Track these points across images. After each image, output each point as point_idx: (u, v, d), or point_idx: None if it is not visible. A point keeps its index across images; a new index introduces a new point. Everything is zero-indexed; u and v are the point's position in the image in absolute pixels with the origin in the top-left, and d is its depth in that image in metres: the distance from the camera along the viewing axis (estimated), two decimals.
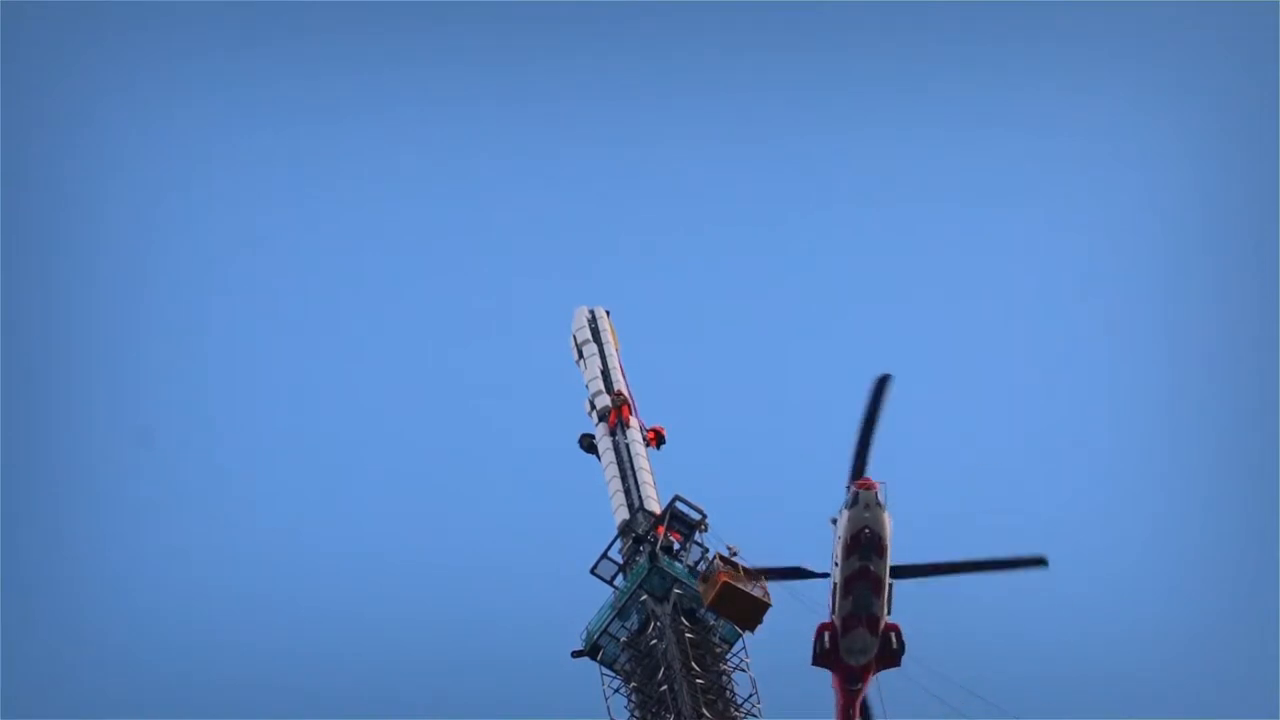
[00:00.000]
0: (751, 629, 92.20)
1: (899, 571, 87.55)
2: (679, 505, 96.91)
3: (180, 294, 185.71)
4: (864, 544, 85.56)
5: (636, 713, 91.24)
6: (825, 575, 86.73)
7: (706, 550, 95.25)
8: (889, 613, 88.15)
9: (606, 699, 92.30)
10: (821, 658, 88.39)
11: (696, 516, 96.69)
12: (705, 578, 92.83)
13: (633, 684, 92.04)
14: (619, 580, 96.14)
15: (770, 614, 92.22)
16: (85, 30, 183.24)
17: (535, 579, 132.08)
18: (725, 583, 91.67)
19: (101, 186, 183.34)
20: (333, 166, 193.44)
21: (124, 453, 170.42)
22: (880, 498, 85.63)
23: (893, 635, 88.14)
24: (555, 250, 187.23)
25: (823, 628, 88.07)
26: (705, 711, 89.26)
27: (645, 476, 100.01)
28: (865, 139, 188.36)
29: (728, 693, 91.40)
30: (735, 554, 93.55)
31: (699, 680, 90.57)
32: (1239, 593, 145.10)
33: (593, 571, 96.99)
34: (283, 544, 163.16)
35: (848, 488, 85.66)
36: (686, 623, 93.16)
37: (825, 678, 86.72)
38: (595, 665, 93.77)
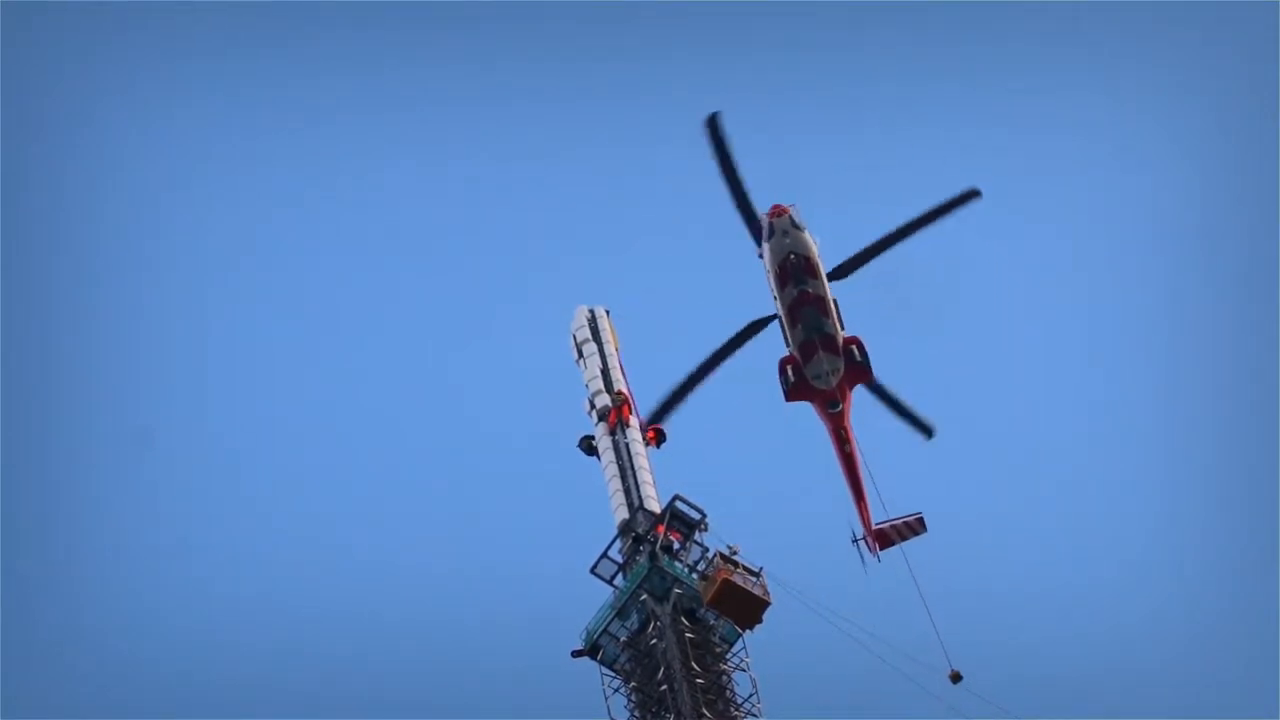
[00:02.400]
0: (751, 627, 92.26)
1: (842, 271, 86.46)
2: (679, 505, 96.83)
3: (180, 294, 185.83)
4: (793, 269, 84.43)
5: (636, 712, 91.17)
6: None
7: (706, 550, 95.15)
8: (843, 327, 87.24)
9: (606, 699, 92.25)
10: (792, 392, 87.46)
11: (696, 516, 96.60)
12: (706, 577, 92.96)
13: (633, 684, 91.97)
14: (619, 580, 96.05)
15: (770, 613, 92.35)
16: (85, 30, 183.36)
17: (535, 579, 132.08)
18: (725, 580, 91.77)
19: (101, 186, 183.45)
20: (332, 167, 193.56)
21: (124, 453, 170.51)
22: (796, 219, 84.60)
23: (854, 349, 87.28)
24: (555, 250, 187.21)
25: (783, 362, 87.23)
26: (705, 711, 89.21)
27: (645, 476, 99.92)
28: (864, 138, 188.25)
29: (728, 692, 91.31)
30: (736, 552, 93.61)
31: (699, 680, 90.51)
32: (1239, 593, 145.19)
33: (593, 571, 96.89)
34: (282, 544, 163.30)
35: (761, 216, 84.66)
36: (686, 622, 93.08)
37: (825, 678, 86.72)
38: (595, 665, 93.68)
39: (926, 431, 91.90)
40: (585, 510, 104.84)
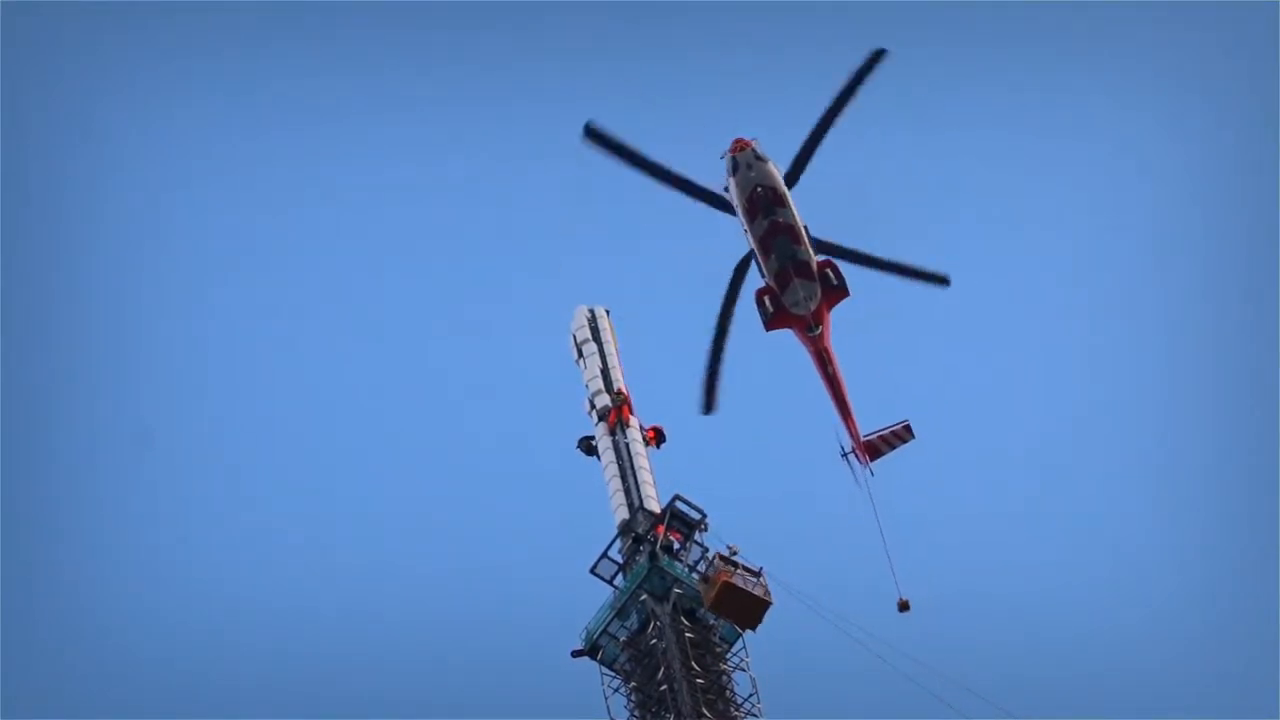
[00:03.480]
0: (753, 628, 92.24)
1: (790, 178, 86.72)
2: (679, 505, 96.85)
3: (180, 294, 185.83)
4: (761, 201, 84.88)
5: (636, 712, 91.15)
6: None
7: (706, 550, 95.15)
8: (815, 252, 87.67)
9: (606, 699, 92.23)
10: (772, 321, 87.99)
11: (696, 516, 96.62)
12: (706, 578, 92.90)
13: (632, 684, 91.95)
14: (619, 580, 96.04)
15: (770, 613, 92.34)
16: (85, 30, 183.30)
17: (535, 579, 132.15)
18: (725, 583, 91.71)
19: (101, 186, 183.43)
20: (332, 166, 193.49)
21: (124, 453, 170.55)
22: (759, 152, 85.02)
23: (829, 272, 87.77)
24: (555, 250, 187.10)
25: (760, 294, 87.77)
26: (705, 711, 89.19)
27: (645, 476, 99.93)
28: (862, 139, 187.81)
29: (728, 692, 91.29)
30: (735, 554, 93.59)
31: (699, 680, 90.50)
32: (1239, 593, 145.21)
33: (593, 571, 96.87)
34: (282, 544, 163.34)
35: (722, 157, 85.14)
36: (686, 622, 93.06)
37: (825, 678, 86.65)
38: (595, 665, 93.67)
39: (942, 281, 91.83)
40: (585, 510, 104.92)
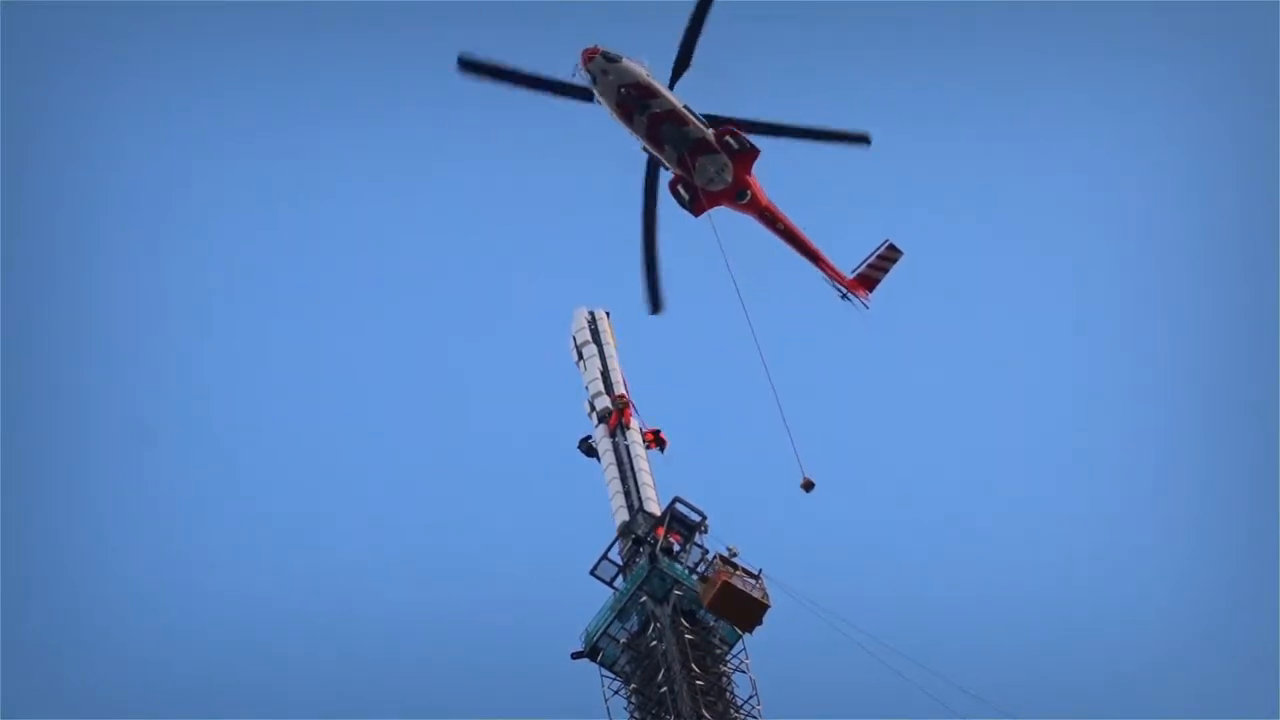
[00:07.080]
0: (751, 630, 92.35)
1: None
2: (679, 507, 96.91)
3: (181, 293, 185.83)
4: (631, 100, 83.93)
5: (636, 714, 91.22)
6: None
7: (706, 551, 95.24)
8: (708, 125, 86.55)
9: (606, 700, 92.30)
10: (696, 206, 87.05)
11: (696, 518, 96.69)
12: (705, 579, 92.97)
13: (632, 685, 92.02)
14: (619, 582, 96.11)
15: (770, 615, 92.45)
16: (85, 30, 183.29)
17: (535, 580, 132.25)
18: (725, 583, 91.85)
19: (102, 186, 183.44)
20: (333, 166, 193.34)
21: (125, 453, 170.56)
22: (609, 53, 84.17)
23: (729, 139, 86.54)
24: (555, 250, 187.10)
25: (672, 185, 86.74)
26: (705, 713, 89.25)
27: (645, 478, 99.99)
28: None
29: (728, 694, 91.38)
30: (735, 554, 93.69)
31: (699, 681, 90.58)
32: (1239, 593, 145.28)
33: (592, 573, 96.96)
34: (282, 544, 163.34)
35: (575, 74, 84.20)
36: (686, 624, 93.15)
37: (824, 680, 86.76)
38: (595, 667, 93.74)
39: (863, 140, 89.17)
40: (585, 512, 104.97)
